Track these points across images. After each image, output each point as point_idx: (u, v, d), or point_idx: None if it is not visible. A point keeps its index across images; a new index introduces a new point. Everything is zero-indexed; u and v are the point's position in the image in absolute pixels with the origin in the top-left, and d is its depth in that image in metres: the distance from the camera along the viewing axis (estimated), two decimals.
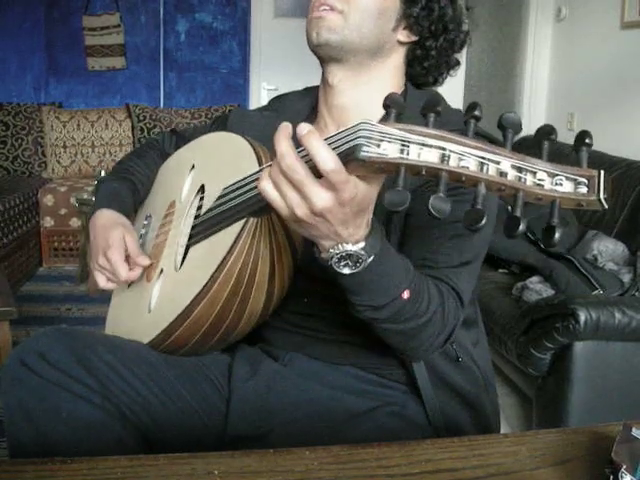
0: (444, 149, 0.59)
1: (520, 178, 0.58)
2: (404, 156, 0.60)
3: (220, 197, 0.89)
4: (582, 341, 1.86)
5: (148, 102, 4.25)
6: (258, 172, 0.81)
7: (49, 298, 3.25)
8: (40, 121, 4.04)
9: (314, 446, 0.63)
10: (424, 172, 0.60)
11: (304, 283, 0.94)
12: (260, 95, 4.80)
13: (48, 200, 3.71)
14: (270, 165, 0.69)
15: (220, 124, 1.15)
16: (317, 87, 1.12)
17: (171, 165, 1.16)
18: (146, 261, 1.00)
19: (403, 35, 0.98)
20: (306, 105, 1.10)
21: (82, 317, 3.04)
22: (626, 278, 2.21)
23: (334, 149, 0.65)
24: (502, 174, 0.58)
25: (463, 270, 0.89)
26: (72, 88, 4.29)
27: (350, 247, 0.71)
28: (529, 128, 1.63)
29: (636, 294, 2.08)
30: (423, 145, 0.60)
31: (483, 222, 0.57)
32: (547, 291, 2.20)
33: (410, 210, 0.85)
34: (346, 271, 0.73)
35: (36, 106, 4.08)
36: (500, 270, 2.60)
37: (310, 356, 1.00)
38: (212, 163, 1.01)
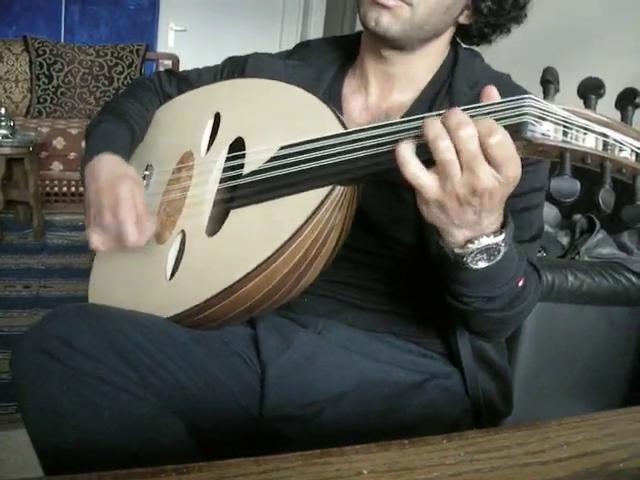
0: (606, 136, 0.57)
1: None
2: (568, 140, 0.57)
3: (279, 157, 0.77)
4: None
5: (47, 35, 3.83)
6: (354, 132, 0.71)
7: None
8: None
9: (448, 434, 0.56)
10: (589, 160, 0.57)
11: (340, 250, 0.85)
12: (168, 35, 4.49)
13: None
14: (399, 132, 0.64)
15: (235, 70, 1.01)
16: (348, 38, 1.01)
17: (180, 109, 1.01)
18: (153, 228, 0.84)
19: (464, 17, 0.91)
20: (338, 57, 1.00)
21: None
22: (564, 241, 2.29)
23: None
24: None
25: (534, 244, 0.87)
26: None
27: (491, 239, 0.65)
28: None
29: (576, 257, 2.17)
30: (586, 130, 0.57)
31: None
32: None
33: None
34: (481, 265, 0.67)
35: None
36: None
37: (344, 323, 0.92)
38: (253, 115, 0.88)
